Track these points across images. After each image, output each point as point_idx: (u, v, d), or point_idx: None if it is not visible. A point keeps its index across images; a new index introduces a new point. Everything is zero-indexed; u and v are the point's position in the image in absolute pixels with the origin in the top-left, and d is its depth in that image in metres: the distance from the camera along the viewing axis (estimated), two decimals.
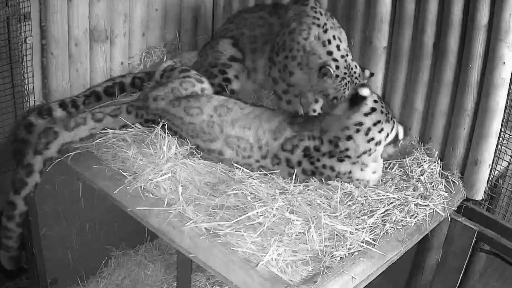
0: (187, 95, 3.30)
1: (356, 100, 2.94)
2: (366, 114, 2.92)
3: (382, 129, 2.95)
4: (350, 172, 2.98)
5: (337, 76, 3.24)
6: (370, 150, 2.96)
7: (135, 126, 3.25)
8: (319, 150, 2.96)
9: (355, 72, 3.29)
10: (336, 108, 3.05)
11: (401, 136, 3.08)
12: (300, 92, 3.61)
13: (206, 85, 3.44)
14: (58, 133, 3.15)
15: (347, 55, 3.33)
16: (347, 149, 2.93)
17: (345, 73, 3.25)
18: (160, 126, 3.15)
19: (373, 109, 2.93)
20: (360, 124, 2.92)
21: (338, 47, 3.31)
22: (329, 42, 3.32)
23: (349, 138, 2.92)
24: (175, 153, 3.05)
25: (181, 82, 3.37)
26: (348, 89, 3.22)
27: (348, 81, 3.25)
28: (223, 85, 3.65)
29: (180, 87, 3.33)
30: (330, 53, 3.30)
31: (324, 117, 3.09)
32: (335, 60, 3.27)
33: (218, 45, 3.76)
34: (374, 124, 2.93)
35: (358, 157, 2.95)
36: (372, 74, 3.42)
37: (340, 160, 2.95)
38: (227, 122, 3.08)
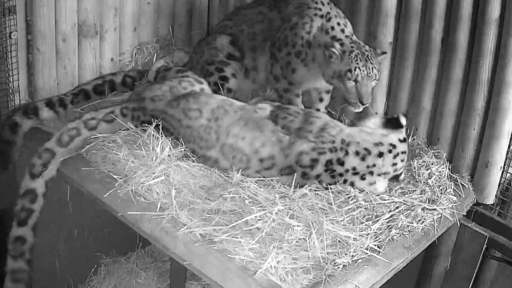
0: (186, 93, 3.27)
1: (392, 124, 3.08)
2: (400, 140, 3.05)
3: (403, 160, 3.06)
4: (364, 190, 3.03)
5: (343, 52, 3.21)
6: (388, 174, 3.03)
7: (128, 126, 3.23)
8: (343, 165, 2.96)
9: (363, 46, 3.26)
10: (365, 120, 3.16)
11: (401, 178, 3.14)
12: (303, 91, 3.61)
13: (205, 85, 3.43)
14: (53, 151, 3.09)
15: (352, 35, 3.33)
16: (373, 165, 2.98)
17: (352, 46, 3.22)
18: (154, 126, 3.14)
19: (405, 139, 3.10)
20: (394, 146, 3.02)
21: (342, 30, 3.32)
22: (333, 28, 3.32)
23: (381, 155, 2.98)
24: (169, 155, 3.04)
25: (180, 81, 3.35)
26: (360, 60, 3.18)
27: (358, 53, 3.20)
28: (219, 83, 3.64)
29: (179, 85, 3.32)
30: (333, 37, 3.29)
31: (333, 125, 3.05)
32: (338, 40, 3.27)
33: (215, 41, 3.75)
34: (402, 152, 3.05)
35: (378, 175, 3.00)
36: (383, 53, 3.38)
37: (363, 178, 3.00)
38: (222, 128, 3.06)
